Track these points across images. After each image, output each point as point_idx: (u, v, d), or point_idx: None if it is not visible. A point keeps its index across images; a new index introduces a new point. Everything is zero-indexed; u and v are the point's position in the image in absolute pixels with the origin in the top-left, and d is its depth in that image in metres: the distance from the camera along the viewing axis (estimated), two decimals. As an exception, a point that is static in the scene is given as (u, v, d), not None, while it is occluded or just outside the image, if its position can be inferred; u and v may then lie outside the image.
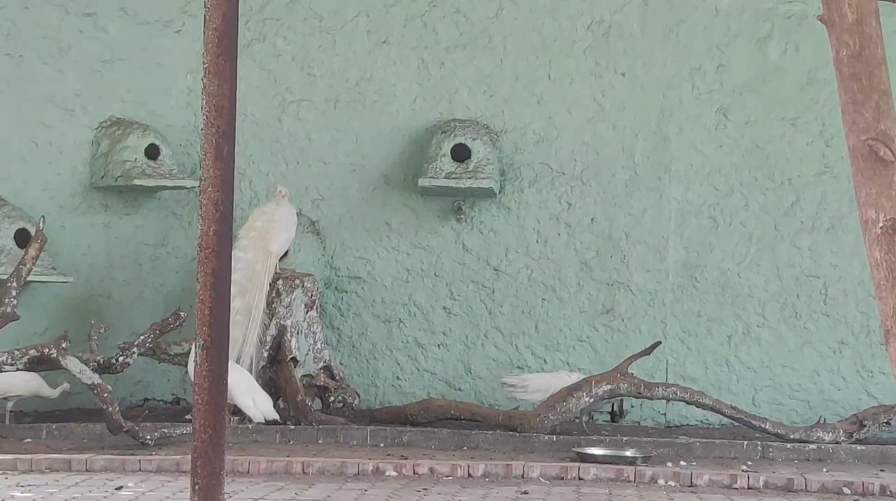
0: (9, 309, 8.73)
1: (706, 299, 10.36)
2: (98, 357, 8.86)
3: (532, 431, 9.03)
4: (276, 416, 8.97)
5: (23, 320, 9.11)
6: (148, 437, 8.33)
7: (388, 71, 10.52)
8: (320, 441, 8.86)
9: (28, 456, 7.76)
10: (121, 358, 8.91)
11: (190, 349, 8.92)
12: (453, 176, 10.05)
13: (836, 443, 9.00)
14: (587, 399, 9.21)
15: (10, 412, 9.11)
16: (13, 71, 10.18)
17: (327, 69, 10.54)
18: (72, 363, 8.43)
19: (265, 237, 9.60)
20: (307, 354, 9.64)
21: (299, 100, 10.55)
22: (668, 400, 9.58)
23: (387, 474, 7.76)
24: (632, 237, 10.40)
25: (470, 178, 10.03)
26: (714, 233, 10.38)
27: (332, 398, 9.65)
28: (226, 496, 4.39)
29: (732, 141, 10.38)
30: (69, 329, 8.99)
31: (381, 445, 8.83)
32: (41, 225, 9.03)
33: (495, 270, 10.46)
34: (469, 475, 7.81)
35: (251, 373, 9.27)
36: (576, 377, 9.40)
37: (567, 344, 10.39)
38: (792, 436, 9.07)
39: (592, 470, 7.90)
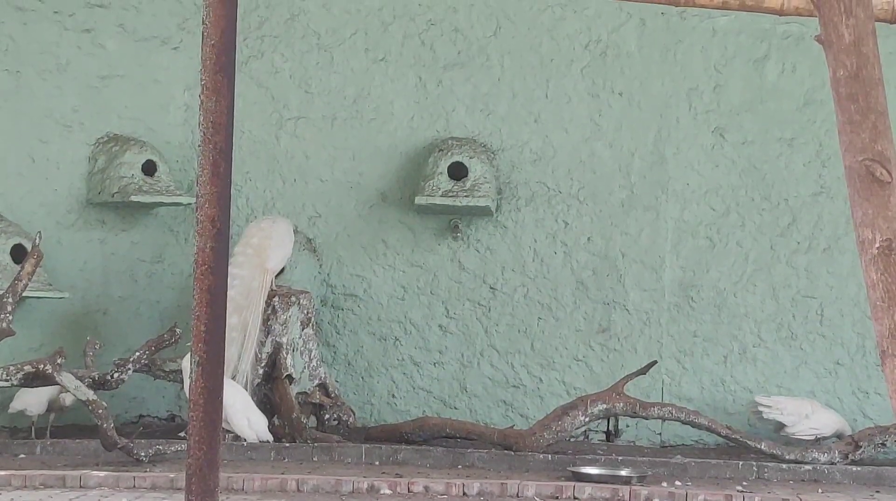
0: (4, 325, 8.72)
1: (702, 319, 10.35)
2: (93, 373, 8.84)
3: (527, 450, 9.02)
4: (269, 437, 8.94)
5: (18, 335, 9.09)
6: (142, 454, 8.31)
7: (386, 89, 10.53)
8: (315, 459, 8.84)
9: (22, 472, 7.73)
10: (116, 374, 8.89)
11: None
12: (450, 194, 10.04)
13: (832, 464, 8.99)
14: (583, 418, 9.22)
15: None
16: (11, 86, 10.17)
17: (325, 87, 10.54)
18: (67, 379, 8.41)
19: (261, 254, 9.59)
20: (303, 371, 9.62)
21: (297, 117, 10.55)
22: (664, 420, 9.57)
23: (381, 492, 7.75)
24: (628, 257, 10.39)
25: (467, 196, 10.03)
26: (710, 253, 10.38)
27: (327, 416, 9.63)
28: (220, 513, 4.38)
29: (729, 161, 10.38)
30: (65, 345, 8.96)
31: (376, 463, 8.81)
32: (37, 241, 9.03)
33: (491, 288, 10.45)
34: (464, 493, 7.80)
35: (246, 390, 9.26)
36: (816, 406, 9.53)
37: (563, 363, 10.38)
38: (787, 457, 9.06)
39: (588, 490, 7.88)
